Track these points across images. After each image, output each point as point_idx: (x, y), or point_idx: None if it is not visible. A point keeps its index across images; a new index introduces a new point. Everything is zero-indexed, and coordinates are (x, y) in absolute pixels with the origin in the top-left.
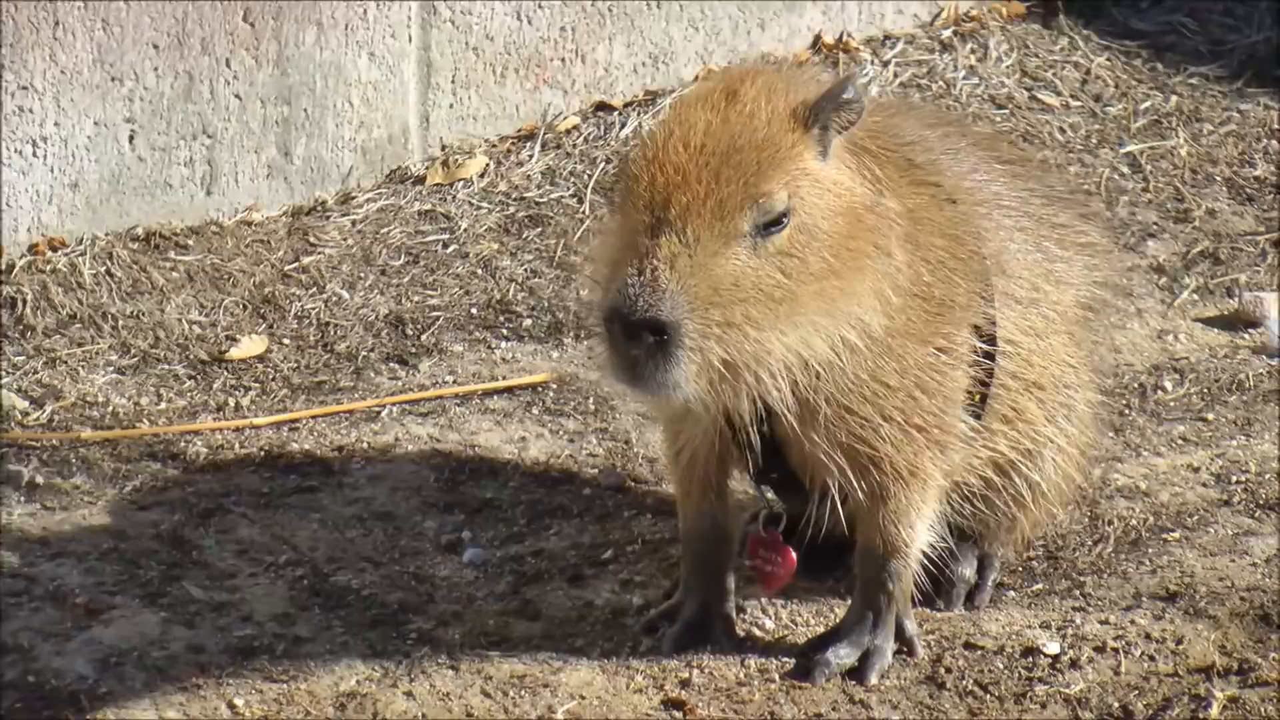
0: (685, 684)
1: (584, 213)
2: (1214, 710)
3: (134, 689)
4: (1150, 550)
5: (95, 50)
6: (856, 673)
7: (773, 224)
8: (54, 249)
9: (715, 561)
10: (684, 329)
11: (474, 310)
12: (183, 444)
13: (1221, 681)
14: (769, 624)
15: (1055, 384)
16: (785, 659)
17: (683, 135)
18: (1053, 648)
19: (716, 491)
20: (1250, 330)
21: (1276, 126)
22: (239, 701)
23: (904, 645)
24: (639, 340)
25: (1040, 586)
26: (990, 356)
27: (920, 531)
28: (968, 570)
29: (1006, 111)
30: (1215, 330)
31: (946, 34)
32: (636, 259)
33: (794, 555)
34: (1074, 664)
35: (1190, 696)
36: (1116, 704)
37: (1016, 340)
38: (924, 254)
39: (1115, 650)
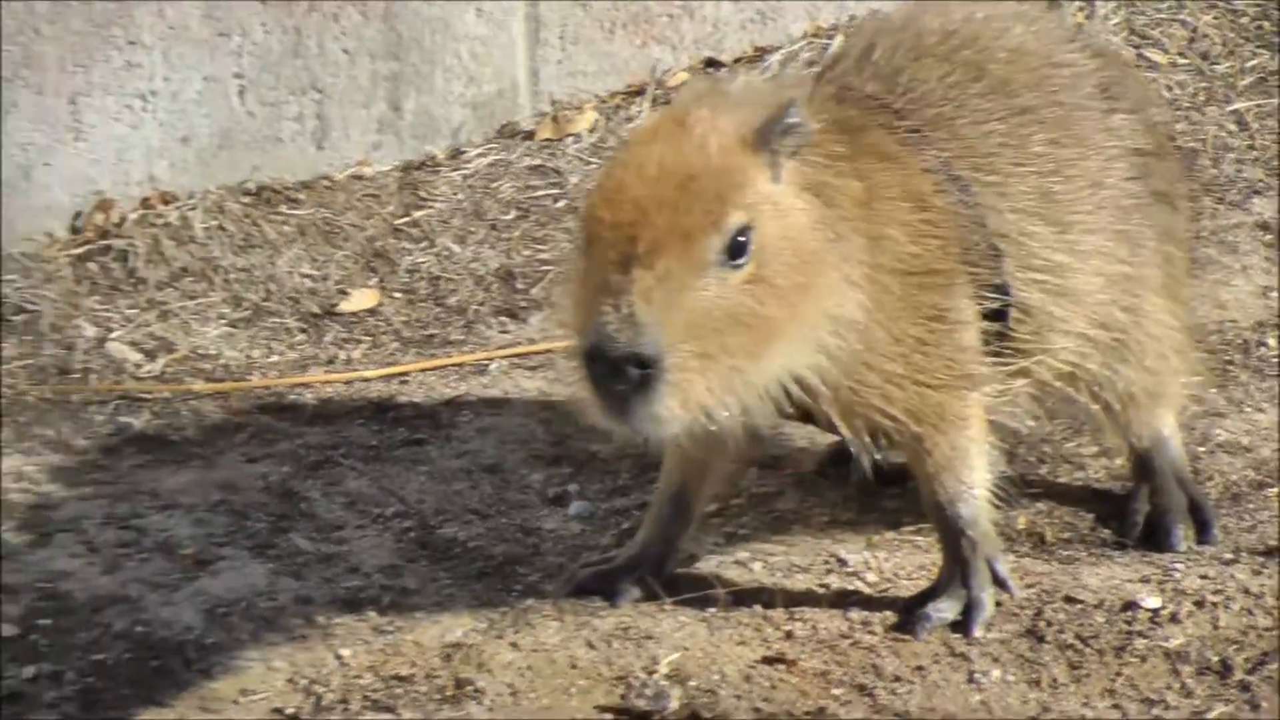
0: (788, 636)
1: None
2: None
3: (241, 639)
4: (1250, 505)
5: (203, 5)
6: (961, 625)
7: (736, 251)
8: (166, 202)
9: (674, 528)
10: (665, 363)
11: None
12: (293, 397)
13: None
14: (871, 577)
15: (1102, 285)
16: (887, 612)
17: (638, 170)
18: (1152, 602)
19: (703, 463)
20: None
21: None
22: (345, 652)
23: (999, 585)
24: (623, 377)
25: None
26: (1004, 302)
27: (977, 470)
28: (1139, 512)
29: None
30: None
31: None
32: (610, 296)
33: None
34: (1173, 618)
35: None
36: (1215, 658)
37: (1037, 270)
38: (886, 231)
39: (1214, 605)
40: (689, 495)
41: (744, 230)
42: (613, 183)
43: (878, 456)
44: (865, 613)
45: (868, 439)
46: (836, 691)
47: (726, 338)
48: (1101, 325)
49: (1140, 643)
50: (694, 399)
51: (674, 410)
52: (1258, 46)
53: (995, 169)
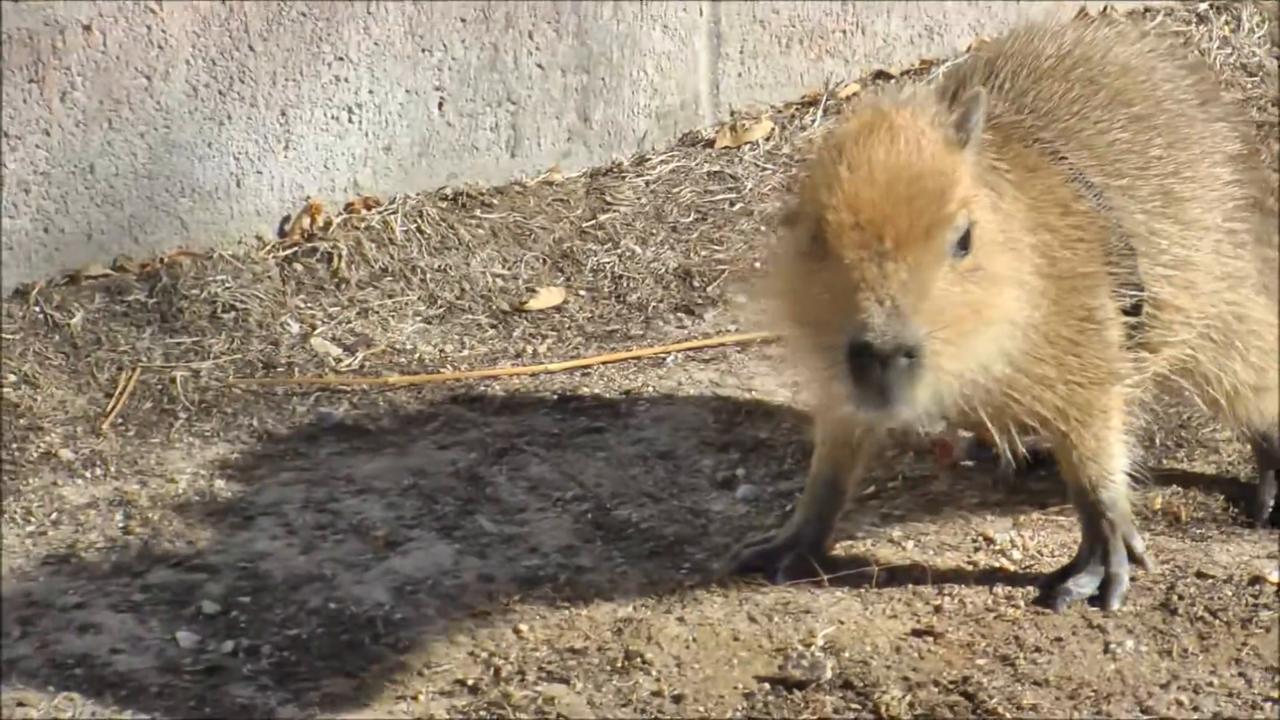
0: (937, 610)
1: None
2: None
3: (427, 615)
4: None
5: (406, 23)
6: (1099, 599)
7: (964, 243)
8: (368, 207)
9: (828, 509)
10: (926, 350)
11: (757, 264)
12: (482, 388)
13: None
14: (1016, 555)
15: (1216, 281)
16: (1030, 588)
17: (870, 173)
18: (1276, 575)
19: (852, 449)
20: None
21: None
22: (524, 627)
23: (1135, 561)
24: (890, 367)
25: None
26: (1139, 304)
27: (1117, 458)
28: (1267, 494)
29: (1257, 79)
30: None
31: (1203, 7)
32: (869, 291)
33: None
34: None
35: None
36: None
37: (1167, 266)
38: (1042, 236)
39: None
40: (841, 478)
41: (966, 222)
42: (850, 187)
43: (1021, 450)
44: (1010, 588)
45: (1013, 435)
46: (980, 661)
47: (962, 325)
48: (1216, 320)
49: (1266, 614)
50: (945, 384)
51: (931, 395)
52: None
53: (1122, 174)
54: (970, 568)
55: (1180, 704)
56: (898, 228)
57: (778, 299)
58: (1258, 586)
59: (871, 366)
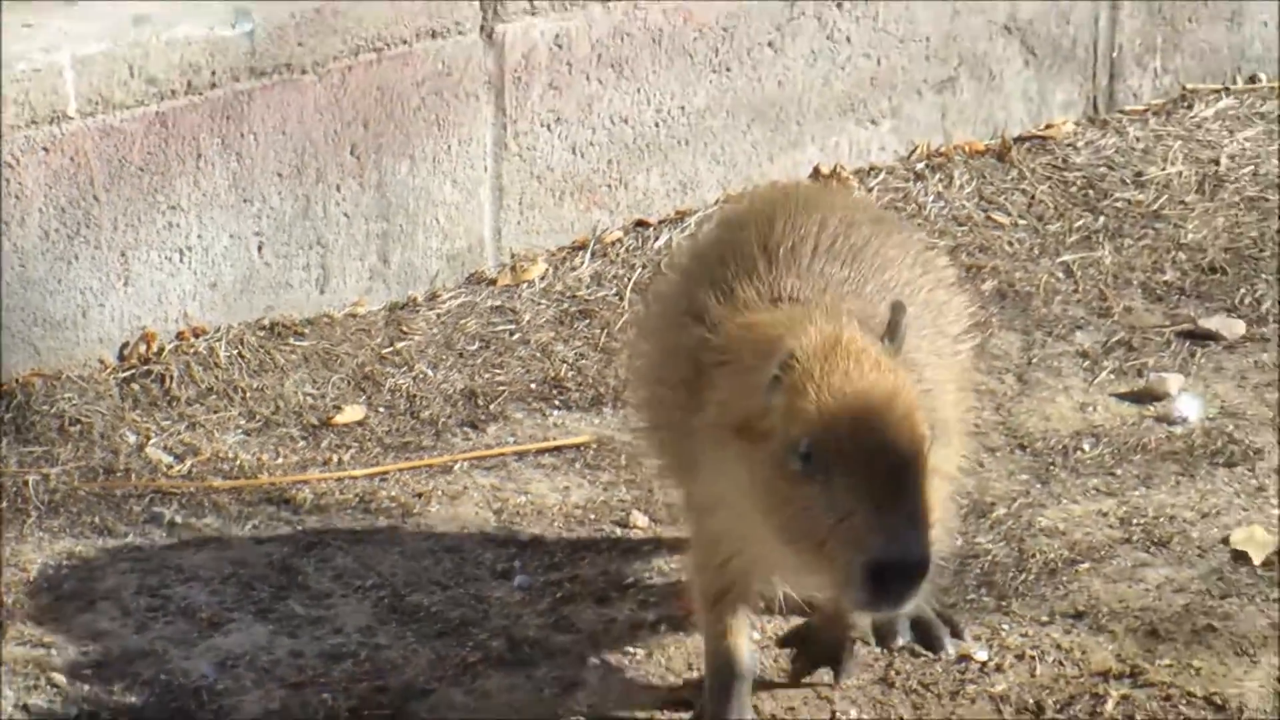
0: (688, 682)
1: (624, 308)
2: (1109, 705)
3: (245, 687)
4: (1064, 578)
5: (230, 177)
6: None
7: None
8: (196, 335)
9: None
10: (932, 560)
11: (532, 385)
12: (294, 491)
13: (1116, 683)
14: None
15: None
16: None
17: (864, 401)
18: (982, 655)
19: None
20: (1155, 403)
21: (1183, 241)
22: (327, 695)
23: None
24: (914, 581)
25: (974, 604)
26: None
27: None
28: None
29: (965, 228)
30: (1127, 404)
31: (920, 166)
32: (894, 515)
33: None
34: (998, 668)
35: (1090, 695)
36: (1032, 700)
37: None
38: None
39: (1032, 657)
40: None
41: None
42: (853, 416)
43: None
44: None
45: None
46: None
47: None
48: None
49: (971, 688)
50: None
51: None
52: (1083, 210)
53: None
54: None
55: None
56: (905, 451)
57: (742, 493)
58: (964, 663)
59: (892, 578)
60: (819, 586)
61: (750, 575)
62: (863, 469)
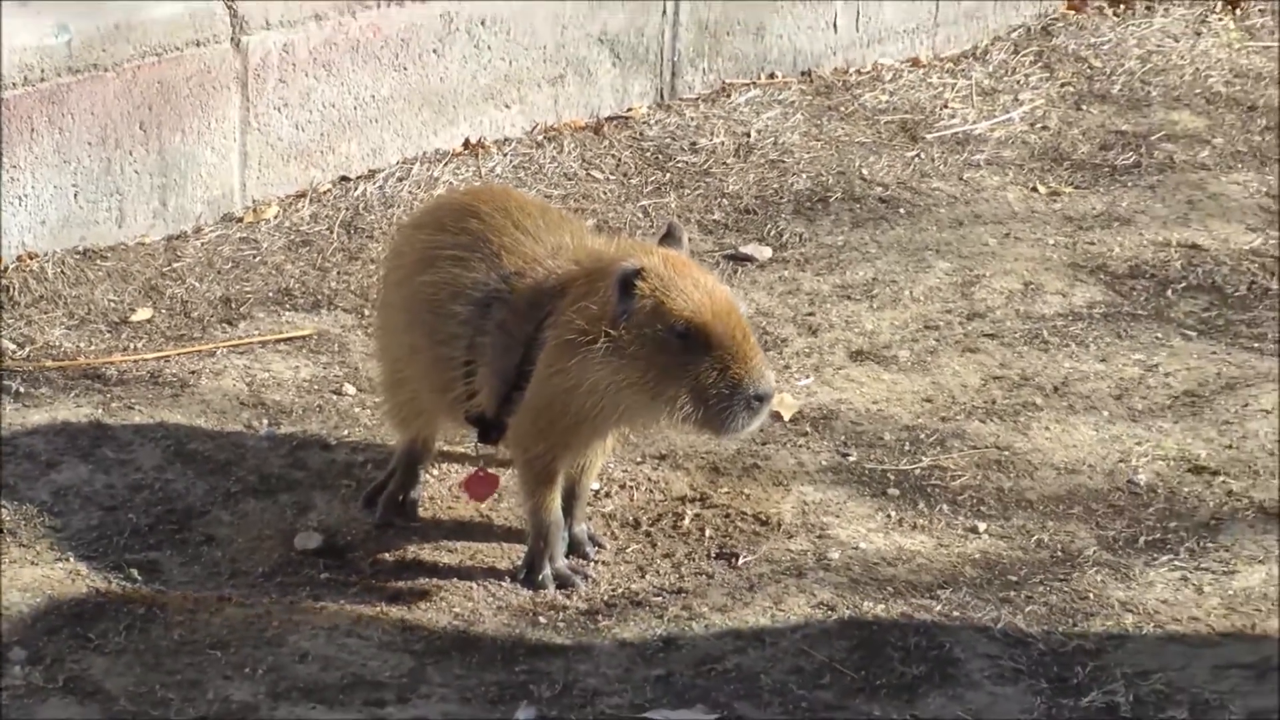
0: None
1: (333, 239)
2: (686, 520)
3: (75, 509)
4: (651, 433)
5: (54, 145)
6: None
7: None
8: (31, 258)
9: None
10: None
11: (270, 294)
12: (103, 370)
13: (690, 505)
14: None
15: None
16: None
17: (717, 295)
18: (594, 486)
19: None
20: None
21: (725, 191)
22: (132, 515)
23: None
24: (768, 405)
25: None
26: None
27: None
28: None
29: (572, 183)
30: None
31: (539, 139)
32: (759, 363)
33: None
34: (608, 495)
35: (673, 514)
36: (632, 517)
37: None
38: None
39: (631, 487)
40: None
41: None
42: (712, 301)
43: None
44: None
45: None
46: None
47: None
48: None
49: (588, 509)
50: None
51: None
52: (654, 169)
53: None
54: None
55: None
56: (743, 319)
57: (617, 373)
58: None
59: (759, 408)
60: (671, 426)
61: (576, 450)
62: (730, 336)
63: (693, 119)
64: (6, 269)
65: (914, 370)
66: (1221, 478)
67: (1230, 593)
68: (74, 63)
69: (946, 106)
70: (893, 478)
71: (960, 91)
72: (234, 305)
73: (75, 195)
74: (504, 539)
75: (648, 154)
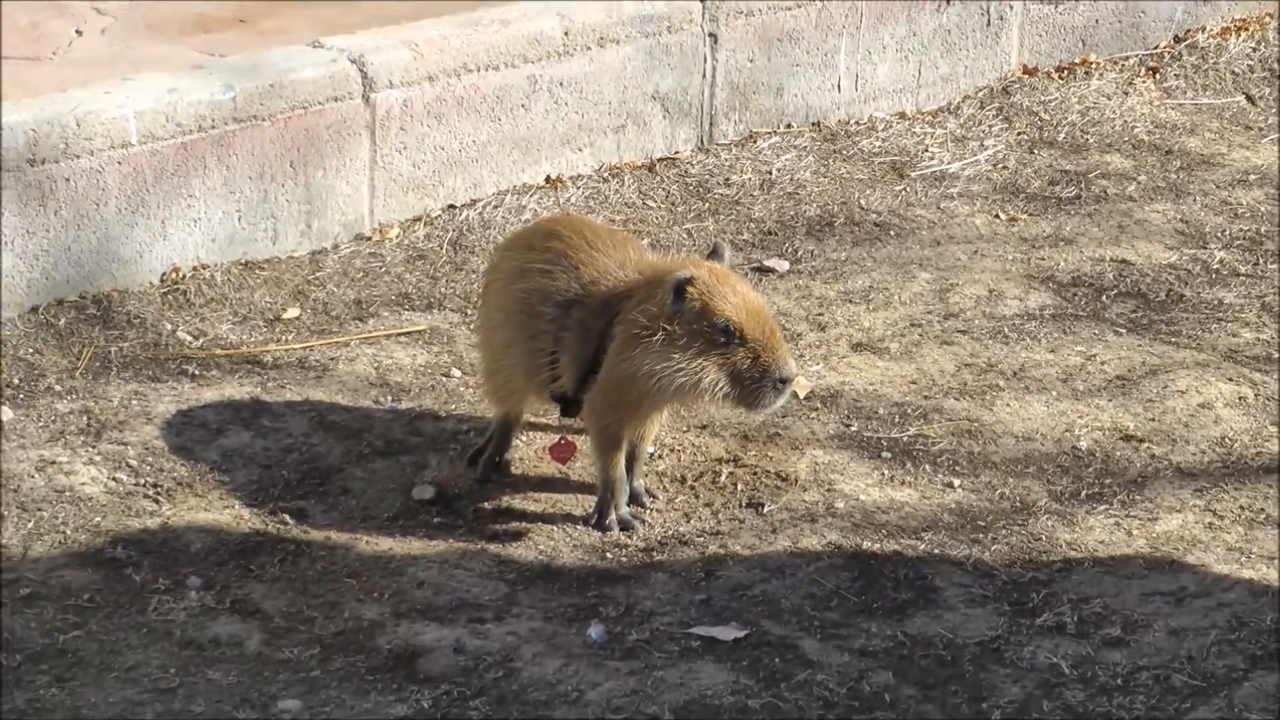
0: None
1: (443, 255)
2: (723, 477)
3: (238, 466)
4: (691, 409)
5: (222, 179)
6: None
7: None
8: (203, 268)
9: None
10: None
11: (393, 297)
12: (261, 357)
13: (725, 465)
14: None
15: None
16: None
17: (752, 300)
18: (651, 449)
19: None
20: None
21: (752, 217)
22: (284, 472)
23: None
24: (790, 386)
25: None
26: None
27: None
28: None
29: (631, 209)
30: None
31: (605, 176)
32: (784, 350)
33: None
34: (661, 457)
35: (711, 472)
36: (679, 474)
37: None
38: None
39: (678, 450)
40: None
41: None
42: (748, 305)
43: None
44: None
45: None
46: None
47: None
48: None
49: (646, 468)
50: None
51: None
52: (696, 199)
53: None
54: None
55: None
56: (773, 320)
57: (671, 360)
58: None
59: (783, 389)
60: (712, 403)
61: (638, 421)
62: (761, 331)
63: (726, 160)
64: (184, 277)
65: (902, 359)
66: (1147, 444)
67: (1154, 535)
68: (238, 114)
69: (927, 150)
70: (885, 444)
71: (938, 139)
72: (364, 306)
73: (239, 219)
74: (578, 491)
75: (691, 187)
